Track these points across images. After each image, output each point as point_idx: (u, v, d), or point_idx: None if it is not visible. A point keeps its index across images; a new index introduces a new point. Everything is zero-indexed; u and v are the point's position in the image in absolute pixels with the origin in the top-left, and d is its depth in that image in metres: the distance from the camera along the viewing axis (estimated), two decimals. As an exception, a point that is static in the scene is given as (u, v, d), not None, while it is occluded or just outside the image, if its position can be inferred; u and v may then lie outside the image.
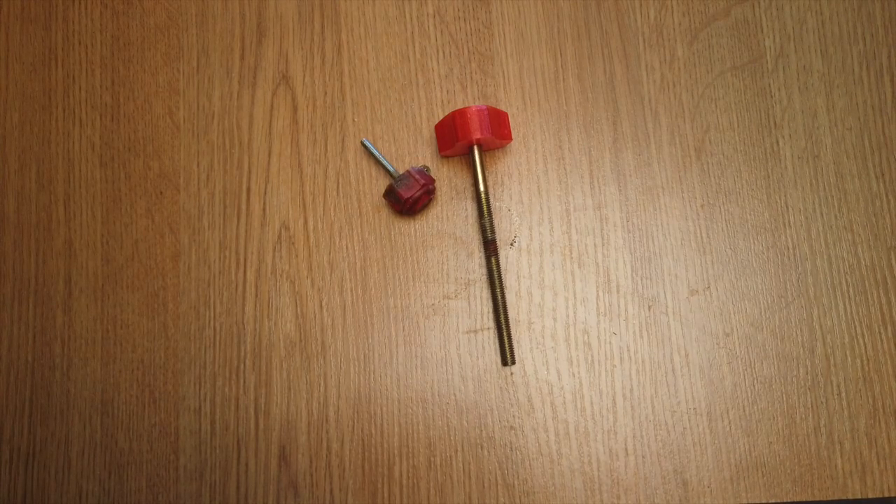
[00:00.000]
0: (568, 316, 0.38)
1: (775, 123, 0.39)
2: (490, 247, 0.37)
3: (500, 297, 0.37)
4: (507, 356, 0.37)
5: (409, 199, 0.37)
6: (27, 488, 0.39)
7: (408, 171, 0.37)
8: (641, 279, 0.38)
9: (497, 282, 0.37)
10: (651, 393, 0.37)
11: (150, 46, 0.43)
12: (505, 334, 0.37)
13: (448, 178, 0.40)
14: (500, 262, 0.38)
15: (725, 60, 0.40)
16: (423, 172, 0.37)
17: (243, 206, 0.40)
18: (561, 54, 0.41)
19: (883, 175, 0.38)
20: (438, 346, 0.38)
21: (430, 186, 0.37)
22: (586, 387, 0.37)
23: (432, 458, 0.37)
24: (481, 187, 0.37)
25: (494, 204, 0.39)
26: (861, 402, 0.36)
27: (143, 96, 0.42)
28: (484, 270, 0.38)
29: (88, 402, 0.39)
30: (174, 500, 0.38)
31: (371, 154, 0.35)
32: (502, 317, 0.37)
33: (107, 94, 0.42)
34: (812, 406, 0.36)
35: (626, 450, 0.37)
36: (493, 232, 0.37)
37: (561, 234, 0.39)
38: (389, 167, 0.38)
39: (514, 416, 0.37)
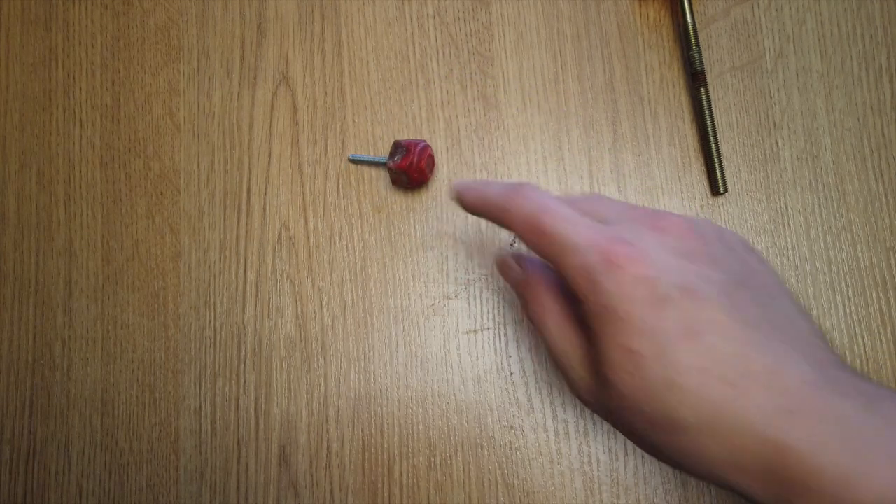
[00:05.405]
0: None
1: (774, 124, 0.39)
2: (699, 77, 0.38)
3: (710, 125, 0.38)
4: (718, 185, 0.38)
5: (408, 164, 0.37)
6: (27, 488, 0.39)
7: (395, 143, 0.38)
8: (641, 279, 0.38)
9: (707, 111, 0.38)
10: (651, 393, 0.37)
11: (150, 47, 0.43)
12: (717, 162, 0.38)
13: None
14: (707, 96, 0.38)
15: (724, 61, 0.40)
16: (411, 141, 0.38)
17: (243, 207, 0.40)
18: (560, 55, 0.41)
19: (882, 176, 0.38)
20: (438, 346, 0.38)
21: (422, 144, 0.38)
22: (586, 387, 0.37)
23: (432, 458, 0.37)
24: (689, 19, 0.38)
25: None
26: (860, 402, 0.36)
27: (143, 97, 0.42)
28: (473, 276, 0.39)
29: (89, 402, 0.39)
30: (174, 500, 0.38)
31: (365, 162, 0.36)
32: (713, 145, 0.38)
33: (107, 95, 0.42)
34: (811, 406, 0.36)
35: (626, 450, 0.37)
36: (701, 63, 0.38)
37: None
38: (383, 159, 0.39)
39: (513, 416, 0.37)
